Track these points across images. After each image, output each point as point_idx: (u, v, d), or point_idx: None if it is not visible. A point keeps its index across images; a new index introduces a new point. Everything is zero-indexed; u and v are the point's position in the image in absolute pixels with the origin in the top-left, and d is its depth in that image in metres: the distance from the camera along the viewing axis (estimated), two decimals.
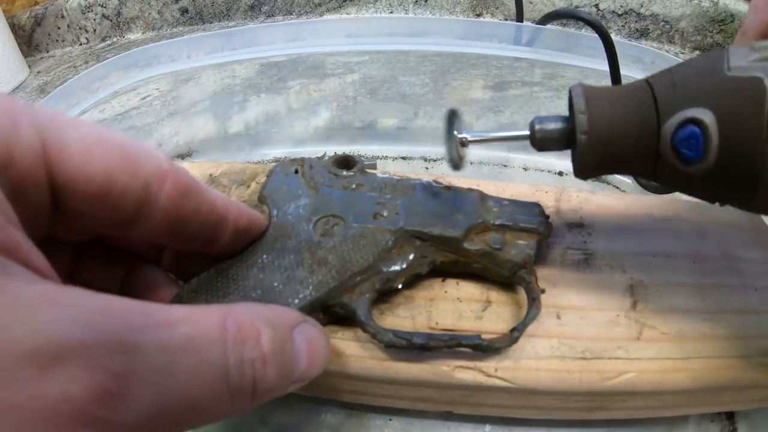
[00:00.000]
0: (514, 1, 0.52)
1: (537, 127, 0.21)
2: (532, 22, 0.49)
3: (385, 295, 0.23)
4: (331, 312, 0.21)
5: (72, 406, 0.10)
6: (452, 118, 0.22)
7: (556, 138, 0.21)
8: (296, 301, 0.20)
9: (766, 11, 0.20)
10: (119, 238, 0.20)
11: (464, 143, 0.22)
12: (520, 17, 0.52)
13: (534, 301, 0.22)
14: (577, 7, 0.55)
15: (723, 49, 0.18)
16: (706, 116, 0.17)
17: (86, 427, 0.11)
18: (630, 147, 0.19)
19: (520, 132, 0.21)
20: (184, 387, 0.13)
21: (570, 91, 0.20)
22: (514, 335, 0.21)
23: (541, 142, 0.21)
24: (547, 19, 0.47)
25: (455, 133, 0.22)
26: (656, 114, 0.19)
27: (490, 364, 0.21)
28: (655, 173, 0.20)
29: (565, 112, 0.21)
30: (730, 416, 0.24)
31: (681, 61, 0.20)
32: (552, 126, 0.21)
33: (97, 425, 0.11)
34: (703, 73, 0.18)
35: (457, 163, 0.22)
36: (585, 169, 0.20)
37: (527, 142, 0.21)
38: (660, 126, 0.19)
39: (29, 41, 0.62)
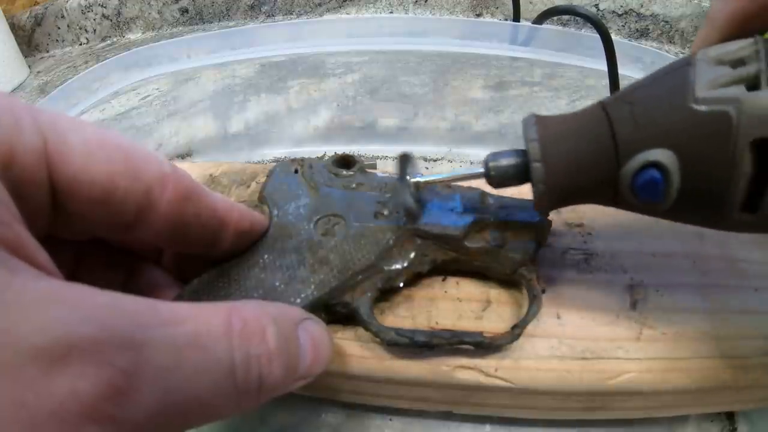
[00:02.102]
0: (512, 1, 0.52)
1: (491, 164, 0.20)
2: (531, 21, 0.49)
3: (386, 293, 0.23)
4: (333, 311, 0.21)
5: (80, 403, 0.10)
6: (404, 162, 0.21)
7: (512, 173, 0.20)
8: (298, 300, 0.20)
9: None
10: (120, 239, 0.20)
11: (419, 188, 0.21)
12: (516, 17, 0.52)
13: (535, 298, 0.22)
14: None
15: (688, 67, 0.17)
16: (668, 158, 0.16)
17: (94, 424, 0.11)
18: (588, 182, 0.18)
19: (474, 170, 0.21)
20: (191, 384, 0.13)
21: (523, 121, 0.19)
22: (515, 332, 0.21)
23: (497, 179, 0.20)
24: (545, 15, 0.47)
25: (408, 178, 0.21)
26: (615, 156, 0.17)
27: (490, 364, 0.21)
28: (616, 206, 0.19)
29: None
30: (730, 416, 0.24)
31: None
32: (506, 161, 0.20)
33: (105, 422, 0.11)
34: (666, 107, 0.17)
35: (413, 210, 0.21)
36: (543, 203, 0.19)
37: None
38: (619, 168, 0.18)
39: (29, 41, 0.62)
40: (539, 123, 0.19)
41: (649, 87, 0.18)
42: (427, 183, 0.22)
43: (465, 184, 0.24)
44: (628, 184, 0.18)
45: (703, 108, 0.16)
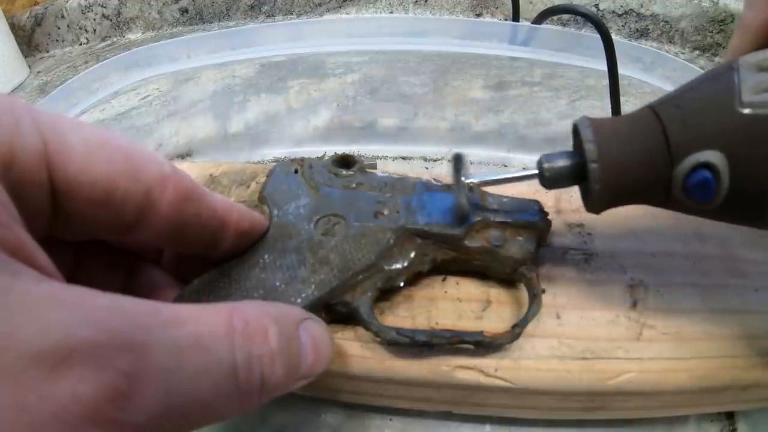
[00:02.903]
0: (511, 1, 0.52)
1: (545, 165, 0.20)
2: (531, 21, 0.49)
3: (386, 293, 0.23)
4: (334, 311, 0.21)
5: (82, 406, 0.10)
6: (459, 163, 0.22)
7: (566, 174, 0.20)
8: (299, 300, 0.20)
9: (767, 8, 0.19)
10: (120, 240, 0.20)
11: (472, 189, 0.22)
12: (516, 17, 0.52)
13: (535, 298, 0.22)
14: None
15: (732, 71, 0.17)
16: (718, 160, 0.17)
17: (97, 427, 0.11)
18: (641, 184, 0.19)
19: (528, 172, 0.21)
20: (193, 385, 0.13)
21: (575, 124, 0.20)
22: (516, 331, 0.21)
23: (551, 180, 0.20)
24: (544, 14, 0.47)
25: (463, 179, 0.21)
26: (669, 157, 0.18)
27: (490, 364, 0.21)
28: (666, 206, 0.20)
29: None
30: (730, 416, 0.24)
31: (687, 71, 0.19)
32: (561, 162, 0.20)
33: (107, 425, 0.11)
34: (714, 109, 0.17)
35: (465, 210, 0.22)
36: (597, 203, 0.20)
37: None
38: (672, 169, 0.18)
39: (29, 41, 0.62)
40: (593, 125, 0.19)
41: (697, 91, 0.18)
42: (480, 184, 0.22)
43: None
44: (681, 184, 0.18)
45: (749, 111, 0.17)
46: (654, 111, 0.19)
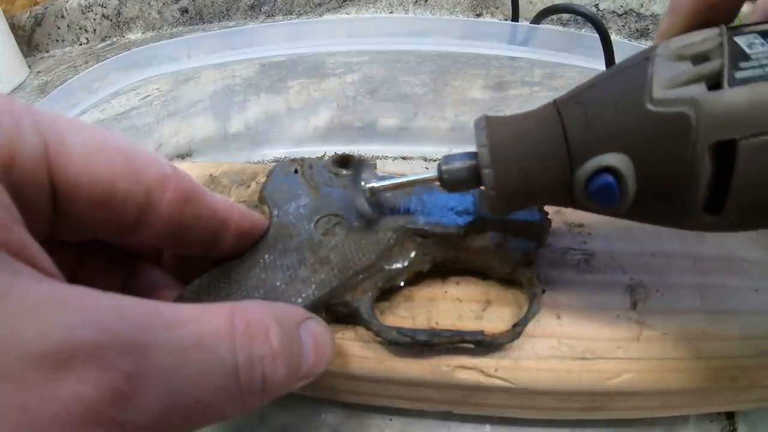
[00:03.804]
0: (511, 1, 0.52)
1: (444, 167, 0.19)
2: (530, 21, 0.49)
3: (386, 293, 0.23)
4: (334, 311, 0.21)
5: (84, 407, 0.10)
6: (359, 169, 0.21)
7: (465, 177, 0.19)
8: (299, 300, 0.20)
9: None
10: (120, 241, 0.20)
11: (373, 192, 0.21)
12: (515, 17, 0.52)
13: (535, 297, 0.22)
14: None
15: (647, 61, 0.16)
16: (622, 163, 0.16)
17: (98, 428, 0.11)
18: (541, 186, 0.18)
19: (427, 174, 0.20)
20: (194, 386, 0.13)
21: (474, 124, 0.19)
22: (516, 330, 0.21)
23: (449, 182, 0.19)
24: (543, 14, 0.47)
25: (362, 183, 0.21)
26: (568, 160, 0.17)
27: (490, 364, 0.21)
28: (574, 207, 0.19)
29: None
30: (730, 416, 0.25)
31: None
32: (459, 164, 0.19)
33: (108, 426, 0.11)
34: (621, 108, 0.16)
35: (368, 214, 0.21)
36: (496, 206, 0.19)
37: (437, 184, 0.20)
38: (573, 172, 0.17)
39: (29, 41, 0.62)
40: (489, 126, 0.18)
41: (605, 86, 0.17)
42: (380, 188, 0.21)
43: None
44: (582, 188, 0.17)
45: (659, 109, 0.15)
46: (557, 108, 0.17)
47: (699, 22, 0.17)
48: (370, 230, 0.22)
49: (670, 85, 0.15)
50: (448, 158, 0.19)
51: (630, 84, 0.16)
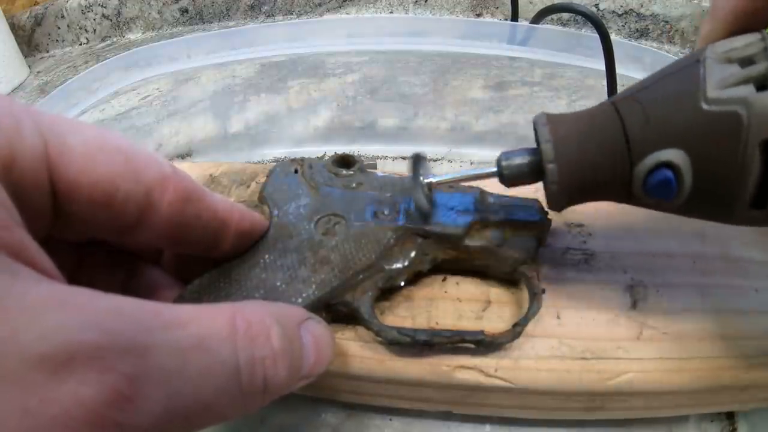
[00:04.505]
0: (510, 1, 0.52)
1: (504, 162, 0.20)
2: (530, 20, 0.49)
3: (386, 293, 0.23)
4: (334, 311, 0.21)
5: (84, 409, 0.10)
6: (417, 163, 0.21)
7: (525, 172, 0.20)
8: (299, 300, 0.20)
9: None
10: (120, 241, 0.20)
11: (430, 188, 0.22)
12: (515, 16, 0.52)
13: (535, 296, 0.22)
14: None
15: (698, 64, 0.17)
16: (680, 158, 0.17)
17: (99, 430, 0.11)
18: (601, 182, 0.19)
19: (487, 170, 0.21)
20: (195, 387, 0.13)
21: (534, 122, 0.19)
22: (516, 330, 0.21)
23: (509, 177, 0.20)
24: (543, 13, 0.47)
25: (421, 178, 0.21)
26: (629, 156, 0.18)
27: (490, 364, 0.21)
28: (629, 203, 0.19)
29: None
30: (730, 416, 0.24)
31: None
32: (519, 160, 0.20)
33: (109, 428, 0.11)
34: (678, 106, 0.17)
35: (426, 209, 0.22)
36: (557, 201, 0.20)
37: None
38: (632, 168, 0.18)
39: (29, 41, 0.62)
40: (551, 123, 0.19)
41: (660, 86, 0.18)
42: (439, 183, 0.22)
43: (474, 183, 0.24)
44: (641, 183, 0.18)
45: (713, 108, 0.16)
46: (615, 107, 0.18)
47: (738, 27, 0.18)
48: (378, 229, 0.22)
49: (721, 86, 0.16)
50: (507, 154, 0.20)
51: (684, 84, 0.17)
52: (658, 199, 0.18)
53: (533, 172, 0.20)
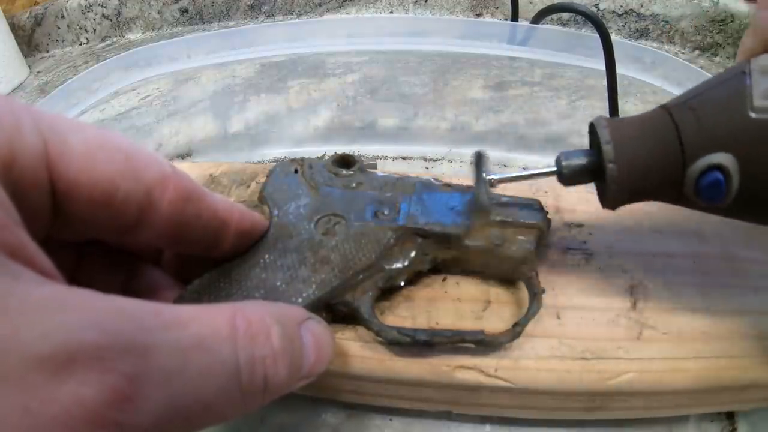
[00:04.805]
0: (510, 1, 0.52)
1: (564, 162, 0.21)
2: (530, 20, 0.49)
3: (386, 292, 0.23)
4: (335, 310, 0.21)
5: (85, 409, 0.10)
6: (480, 160, 0.22)
7: (584, 171, 0.21)
8: (300, 300, 0.20)
9: None
10: (120, 241, 0.20)
11: (493, 185, 0.22)
12: (515, 16, 0.52)
13: (535, 296, 0.22)
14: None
15: (744, 75, 0.18)
16: (729, 162, 0.18)
17: (99, 430, 0.11)
18: (655, 182, 0.20)
19: (547, 169, 0.22)
20: (196, 387, 0.13)
21: (592, 124, 0.21)
22: (516, 330, 0.21)
23: (568, 177, 0.21)
24: (543, 13, 0.47)
25: (484, 175, 0.22)
26: (682, 158, 0.19)
27: (490, 364, 0.21)
28: (677, 203, 0.20)
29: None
30: (730, 416, 0.24)
31: (702, 75, 0.20)
32: (578, 161, 0.21)
33: (110, 428, 0.11)
34: (727, 113, 0.18)
35: (487, 206, 0.22)
36: (614, 201, 0.21)
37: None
38: (685, 169, 0.19)
39: (29, 41, 0.62)
40: (610, 125, 0.20)
41: (710, 93, 0.19)
42: (501, 180, 0.22)
43: (466, 180, 0.24)
44: (693, 184, 0.19)
45: (760, 116, 0.17)
46: (669, 112, 0.19)
47: None
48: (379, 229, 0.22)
49: (766, 96, 0.17)
50: (567, 154, 0.21)
51: (732, 94, 0.18)
52: (708, 200, 0.19)
53: (591, 172, 0.21)
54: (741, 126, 0.18)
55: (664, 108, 0.20)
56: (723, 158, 0.18)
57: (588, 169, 0.21)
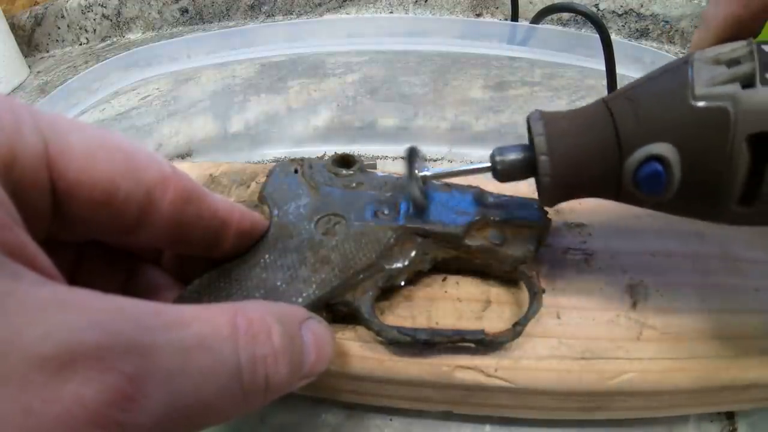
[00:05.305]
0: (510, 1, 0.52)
1: (497, 158, 0.20)
2: (530, 20, 0.49)
3: (386, 293, 0.23)
4: (335, 310, 0.21)
5: (86, 409, 0.10)
6: (412, 156, 0.22)
7: (518, 167, 0.20)
8: (300, 300, 0.20)
9: (730, 3, 0.19)
10: (121, 241, 0.20)
11: (425, 181, 0.22)
12: (515, 16, 0.52)
13: (535, 296, 0.22)
14: None
15: (686, 65, 0.18)
16: (669, 152, 0.17)
17: (101, 430, 0.11)
18: (592, 176, 0.19)
19: (480, 164, 0.21)
20: (197, 387, 0.13)
21: (528, 118, 0.20)
22: (516, 329, 0.21)
23: (503, 173, 0.21)
24: (543, 13, 0.47)
25: (416, 171, 0.22)
26: (618, 150, 0.18)
27: (490, 364, 0.21)
28: (618, 199, 0.20)
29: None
30: (730, 416, 0.24)
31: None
32: (512, 155, 0.20)
33: (111, 428, 0.11)
34: (667, 102, 0.18)
35: (420, 202, 0.22)
36: (548, 195, 0.20)
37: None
38: (622, 162, 0.18)
39: (29, 41, 0.62)
40: (544, 118, 0.19)
41: (650, 84, 0.18)
42: (433, 177, 0.22)
43: (466, 180, 0.24)
44: (631, 176, 0.18)
45: (702, 104, 0.17)
46: (606, 104, 0.19)
47: (728, 36, 0.19)
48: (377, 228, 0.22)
49: (709, 84, 0.17)
50: (501, 149, 0.21)
51: (674, 83, 0.18)
52: (648, 192, 0.18)
53: (526, 168, 0.20)
54: (682, 115, 0.17)
55: (603, 100, 0.19)
56: (662, 148, 0.17)
57: (523, 164, 0.20)
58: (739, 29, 0.19)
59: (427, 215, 0.23)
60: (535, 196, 0.26)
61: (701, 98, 0.17)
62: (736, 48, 0.17)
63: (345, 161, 0.26)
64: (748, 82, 0.16)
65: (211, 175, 0.30)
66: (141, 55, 0.47)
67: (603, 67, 0.39)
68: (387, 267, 0.22)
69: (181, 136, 0.43)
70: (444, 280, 0.24)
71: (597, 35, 0.39)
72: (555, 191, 0.20)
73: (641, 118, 0.18)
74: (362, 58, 0.48)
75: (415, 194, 0.22)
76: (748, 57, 0.17)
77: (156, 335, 0.12)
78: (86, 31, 0.63)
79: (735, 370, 0.21)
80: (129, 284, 0.20)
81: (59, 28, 0.63)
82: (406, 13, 0.61)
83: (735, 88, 0.16)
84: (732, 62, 0.17)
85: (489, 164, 0.21)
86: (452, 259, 0.23)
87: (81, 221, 0.16)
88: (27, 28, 0.62)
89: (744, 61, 0.17)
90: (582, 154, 0.19)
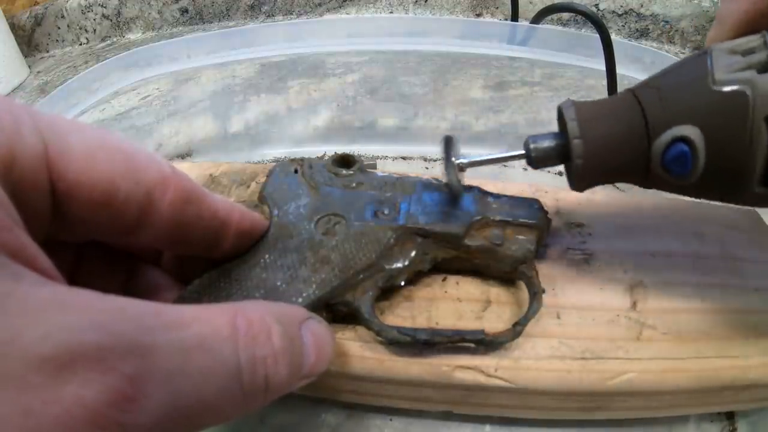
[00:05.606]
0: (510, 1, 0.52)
1: (532, 145, 0.22)
2: (530, 20, 0.49)
3: (386, 293, 0.23)
4: (335, 310, 0.21)
5: (87, 410, 0.10)
6: (449, 144, 0.22)
7: (551, 153, 0.21)
8: (300, 300, 0.20)
9: (742, 1, 0.20)
10: (121, 242, 0.20)
11: (462, 168, 0.22)
12: (515, 16, 0.52)
13: (535, 296, 0.22)
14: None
15: (706, 54, 0.19)
16: (694, 133, 0.18)
17: (101, 431, 0.11)
18: (622, 161, 0.20)
19: (515, 152, 0.22)
20: (197, 387, 0.13)
21: (559, 107, 0.21)
22: (516, 329, 0.21)
23: (537, 159, 0.22)
24: (543, 13, 0.47)
25: (453, 159, 0.22)
26: (646, 132, 0.19)
27: (490, 364, 0.21)
28: (646, 183, 0.21)
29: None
30: (730, 416, 0.25)
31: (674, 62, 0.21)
32: (546, 143, 0.21)
33: (112, 428, 0.11)
34: (689, 88, 0.19)
35: (457, 189, 0.23)
36: (580, 179, 0.21)
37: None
38: (650, 144, 0.19)
39: (29, 41, 0.62)
40: (576, 105, 0.21)
41: (672, 74, 0.20)
42: (470, 164, 0.22)
43: (466, 180, 0.24)
44: (659, 158, 0.19)
45: (722, 88, 0.18)
46: (633, 93, 0.20)
47: (741, 32, 0.20)
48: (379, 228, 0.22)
49: (728, 70, 0.18)
50: (534, 137, 0.22)
51: (695, 71, 0.19)
52: (676, 174, 0.19)
53: (559, 154, 0.21)
54: (703, 99, 0.18)
55: (630, 90, 0.20)
56: (687, 130, 0.18)
57: (556, 151, 0.21)
58: (754, 24, 0.20)
59: (427, 215, 0.23)
60: (535, 195, 0.26)
61: (721, 83, 0.18)
62: (751, 39, 0.18)
63: (345, 161, 0.26)
64: (763, 69, 0.18)
65: (211, 175, 0.30)
66: (141, 55, 0.47)
67: (603, 67, 0.39)
68: (387, 267, 0.22)
69: (181, 136, 0.43)
70: (444, 280, 0.24)
71: (597, 35, 0.39)
72: (586, 174, 0.21)
73: (666, 102, 0.19)
74: (362, 58, 0.48)
75: (453, 181, 0.22)
76: (763, 47, 0.18)
77: (156, 336, 0.12)
78: (86, 31, 0.63)
79: (735, 370, 0.21)
80: (129, 285, 0.20)
81: (59, 28, 0.63)
82: (406, 13, 0.61)
83: (751, 73, 0.17)
84: (747, 52, 0.18)
85: (523, 152, 0.22)
86: (452, 259, 0.23)
87: (81, 222, 0.16)
88: (27, 28, 0.62)
89: (758, 51, 0.18)
90: (613, 138, 0.20)
